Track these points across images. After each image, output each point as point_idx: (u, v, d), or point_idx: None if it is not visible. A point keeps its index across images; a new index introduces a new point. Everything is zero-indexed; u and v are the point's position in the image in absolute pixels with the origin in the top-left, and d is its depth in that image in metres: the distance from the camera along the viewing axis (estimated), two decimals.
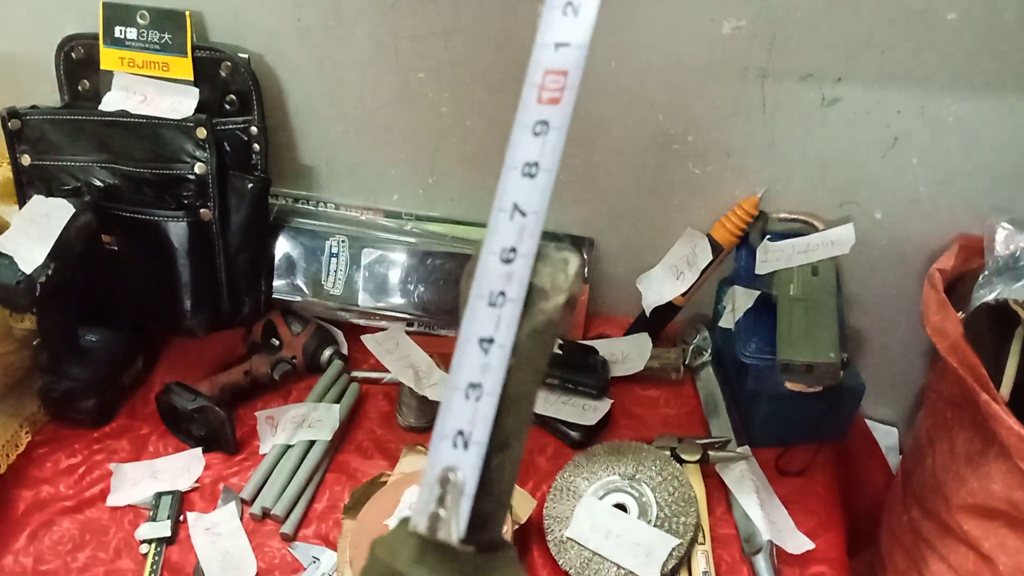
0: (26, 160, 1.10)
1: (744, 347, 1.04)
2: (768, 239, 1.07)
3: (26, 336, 1.12)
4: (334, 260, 1.20)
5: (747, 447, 1.05)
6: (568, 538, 0.96)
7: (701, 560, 0.95)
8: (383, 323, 1.20)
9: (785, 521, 0.99)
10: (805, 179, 1.07)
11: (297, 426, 1.09)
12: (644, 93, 1.04)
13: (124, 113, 1.08)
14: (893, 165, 1.03)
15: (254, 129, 1.12)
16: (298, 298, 1.20)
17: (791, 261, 1.03)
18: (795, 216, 1.08)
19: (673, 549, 0.93)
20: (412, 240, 1.21)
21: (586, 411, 1.10)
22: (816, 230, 1.06)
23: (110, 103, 1.10)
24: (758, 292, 1.05)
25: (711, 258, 1.12)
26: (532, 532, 0.99)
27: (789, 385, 1.00)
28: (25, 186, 1.11)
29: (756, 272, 1.06)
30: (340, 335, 1.23)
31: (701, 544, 0.96)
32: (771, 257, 1.05)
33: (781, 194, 1.08)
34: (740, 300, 1.07)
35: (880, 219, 1.08)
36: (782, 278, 1.03)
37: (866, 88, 0.98)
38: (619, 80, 1.03)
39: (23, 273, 0.96)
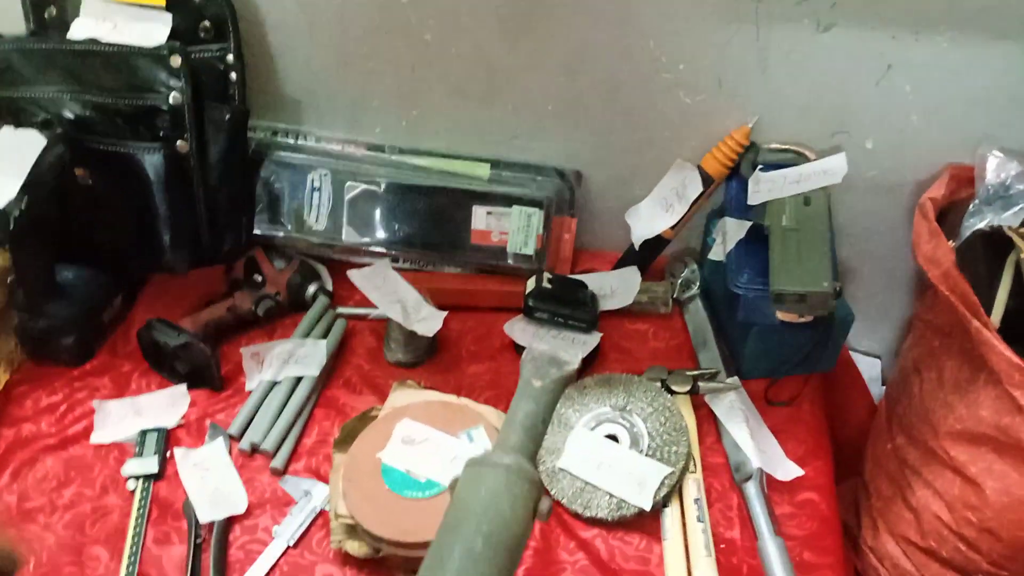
0: None
1: (736, 278, 1.03)
2: (760, 170, 1.05)
3: (0, 273, 1.09)
4: (316, 194, 1.17)
5: (736, 378, 1.05)
6: (560, 468, 0.96)
7: (692, 488, 0.96)
8: (367, 259, 1.18)
9: (774, 449, 1.00)
10: (797, 108, 1.05)
11: (284, 362, 1.07)
12: (635, 20, 1.01)
13: (94, 41, 1.04)
14: (886, 93, 1.02)
15: (230, 57, 1.08)
16: (280, 234, 1.18)
17: (783, 191, 1.02)
18: (786, 147, 1.07)
19: (665, 478, 0.93)
20: (396, 174, 1.18)
21: (576, 344, 1.09)
22: (807, 160, 1.05)
23: (79, 31, 1.06)
24: (750, 223, 1.04)
25: (701, 190, 1.10)
26: None
27: (781, 315, 1.00)
28: None
29: (748, 203, 1.04)
30: (324, 271, 1.21)
31: (692, 472, 0.97)
32: (763, 188, 1.04)
33: (772, 124, 1.07)
34: (731, 231, 1.06)
35: (871, 149, 1.07)
36: (774, 208, 1.02)
37: (861, 13, 0.96)
38: (608, 6, 1.00)
39: None
